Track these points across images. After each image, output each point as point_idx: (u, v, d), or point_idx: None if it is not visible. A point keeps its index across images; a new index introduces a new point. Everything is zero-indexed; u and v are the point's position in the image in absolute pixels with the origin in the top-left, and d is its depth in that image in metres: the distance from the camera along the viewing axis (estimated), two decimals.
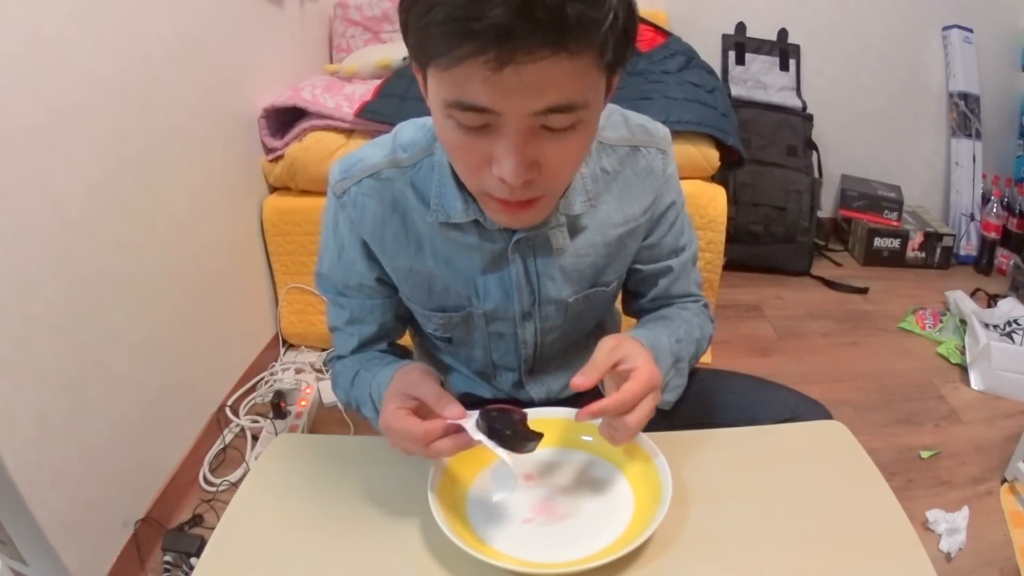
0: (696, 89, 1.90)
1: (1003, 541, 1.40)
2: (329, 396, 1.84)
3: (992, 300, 2.30)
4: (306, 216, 1.88)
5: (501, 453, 0.60)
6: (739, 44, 2.74)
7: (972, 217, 2.74)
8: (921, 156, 2.89)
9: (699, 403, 0.86)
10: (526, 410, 0.66)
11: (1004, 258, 2.64)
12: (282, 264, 1.97)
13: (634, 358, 0.64)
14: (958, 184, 2.78)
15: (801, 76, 2.76)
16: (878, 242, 2.69)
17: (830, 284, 2.55)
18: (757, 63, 2.74)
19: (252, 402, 1.83)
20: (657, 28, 2.31)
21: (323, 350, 2.06)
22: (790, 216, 2.58)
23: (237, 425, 1.73)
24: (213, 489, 1.56)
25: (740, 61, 2.74)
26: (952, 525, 1.39)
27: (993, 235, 2.64)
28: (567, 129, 0.55)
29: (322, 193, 0.79)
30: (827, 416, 0.81)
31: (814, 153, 2.69)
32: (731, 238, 2.06)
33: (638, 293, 0.88)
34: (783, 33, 2.72)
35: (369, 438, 0.81)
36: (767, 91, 2.71)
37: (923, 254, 2.68)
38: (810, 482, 0.70)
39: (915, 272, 2.67)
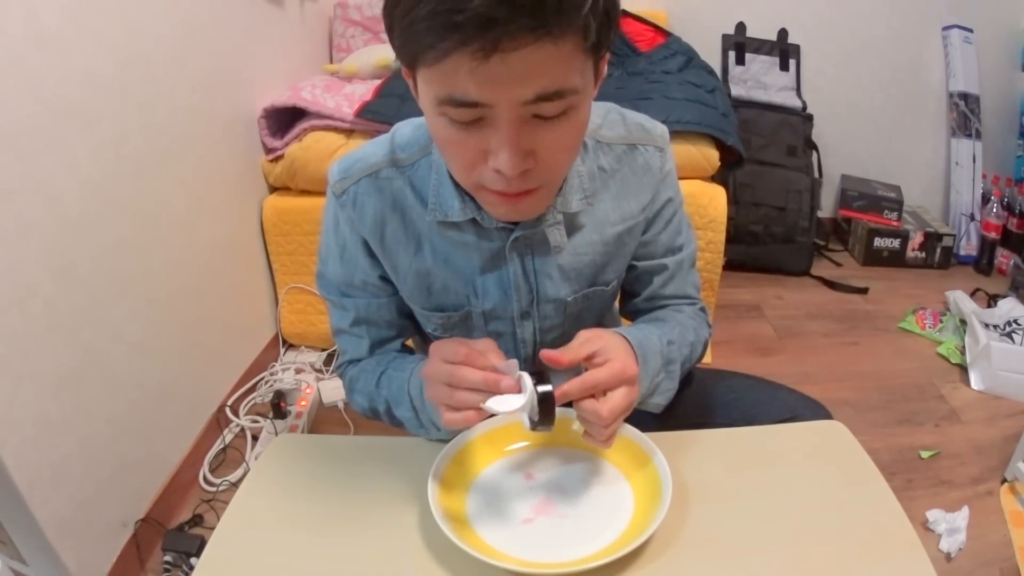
0: (696, 89, 1.90)
1: (1003, 541, 1.40)
2: (329, 396, 1.84)
3: (992, 300, 2.30)
4: (306, 216, 1.88)
5: (522, 403, 0.58)
6: (739, 44, 2.74)
7: (972, 217, 2.74)
8: (921, 156, 2.89)
9: (699, 403, 0.86)
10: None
11: (1004, 258, 2.64)
12: (282, 264, 1.97)
13: (609, 352, 0.64)
14: (958, 184, 2.78)
15: (801, 76, 2.76)
16: (878, 242, 2.69)
17: (830, 284, 2.55)
18: (757, 63, 2.74)
19: (252, 402, 1.83)
20: (657, 28, 2.31)
21: (323, 350, 2.06)
22: (790, 216, 2.58)
23: (237, 425, 1.73)
24: (213, 489, 1.56)
25: (740, 61, 2.74)
26: (952, 525, 1.39)
27: (993, 235, 2.64)
28: (559, 116, 0.55)
29: (322, 193, 0.79)
30: (827, 416, 0.81)
31: (814, 153, 2.69)
32: (731, 238, 2.07)
33: (632, 292, 0.87)
34: (783, 33, 2.72)
35: (369, 438, 0.81)
36: (767, 91, 2.71)
37: (923, 254, 2.68)
38: (810, 482, 0.70)
39: (915, 272, 2.67)
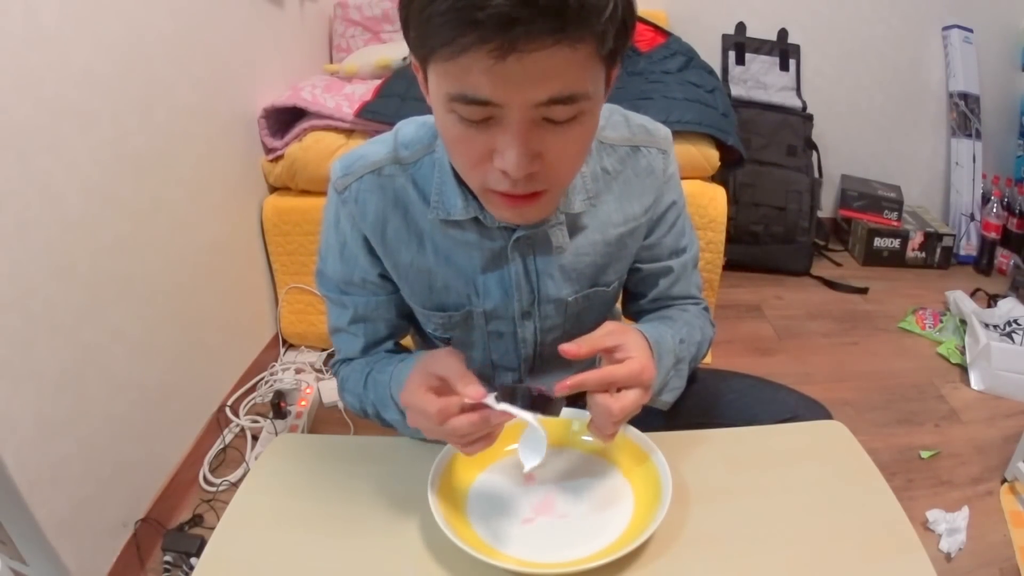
0: (696, 89, 1.90)
1: (1003, 541, 1.40)
2: (329, 396, 1.84)
3: (992, 300, 2.30)
4: (306, 216, 1.88)
5: (528, 417, 0.59)
6: (739, 44, 2.74)
7: (972, 217, 2.74)
8: (921, 156, 2.89)
9: (699, 403, 0.86)
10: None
11: (1004, 258, 2.64)
12: (282, 264, 1.97)
13: (631, 350, 0.64)
14: (958, 184, 2.78)
15: (801, 76, 2.76)
16: (878, 242, 2.69)
17: (830, 284, 2.55)
18: (757, 63, 2.74)
19: (252, 402, 1.83)
20: (657, 28, 2.31)
21: (323, 350, 2.06)
22: (790, 216, 2.58)
23: (237, 425, 1.73)
24: (213, 489, 1.56)
25: (740, 61, 2.74)
26: (952, 525, 1.39)
27: (993, 235, 2.64)
28: (569, 121, 0.55)
29: (322, 193, 0.79)
30: (827, 416, 0.81)
31: (814, 153, 2.69)
32: (731, 238, 2.07)
33: (638, 293, 0.88)
34: (783, 33, 2.72)
35: (369, 438, 0.81)
36: (767, 91, 2.71)
37: (923, 254, 2.68)
38: (810, 482, 0.70)
39: (915, 272, 2.67)
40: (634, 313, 0.90)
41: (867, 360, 2.09)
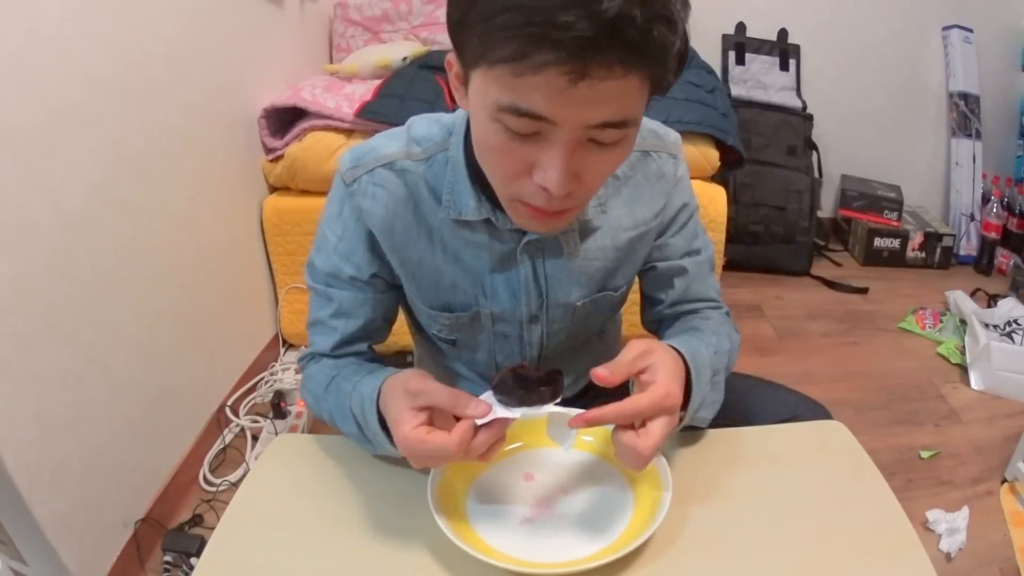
0: (696, 89, 1.90)
1: (1003, 541, 1.40)
2: None
3: (992, 300, 2.30)
4: (306, 216, 1.88)
5: (547, 409, 0.59)
6: (739, 44, 2.74)
7: (972, 217, 2.74)
8: (921, 156, 2.90)
9: None
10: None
11: (1004, 258, 2.64)
12: (282, 264, 1.97)
13: (657, 372, 0.60)
14: (958, 184, 2.78)
15: (801, 76, 2.76)
16: (878, 242, 2.69)
17: (830, 284, 2.55)
18: (757, 63, 2.74)
19: (252, 402, 1.83)
20: None
21: None
22: (790, 216, 2.59)
23: (237, 425, 1.73)
24: (213, 489, 1.56)
25: (740, 61, 2.74)
26: (952, 525, 1.39)
27: (993, 235, 2.64)
28: (613, 144, 0.55)
29: (323, 193, 0.79)
30: (827, 416, 0.81)
31: (814, 153, 2.69)
32: (731, 238, 2.07)
33: (656, 298, 0.85)
34: (783, 33, 2.73)
35: None
36: (767, 91, 2.71)
37: (923, 254, 2.69)
38: (810, 482, 0.70)
39: (915, 272, 2.67)
40: (654, 320, 0.88)
41: (867, 360, 2.09)
